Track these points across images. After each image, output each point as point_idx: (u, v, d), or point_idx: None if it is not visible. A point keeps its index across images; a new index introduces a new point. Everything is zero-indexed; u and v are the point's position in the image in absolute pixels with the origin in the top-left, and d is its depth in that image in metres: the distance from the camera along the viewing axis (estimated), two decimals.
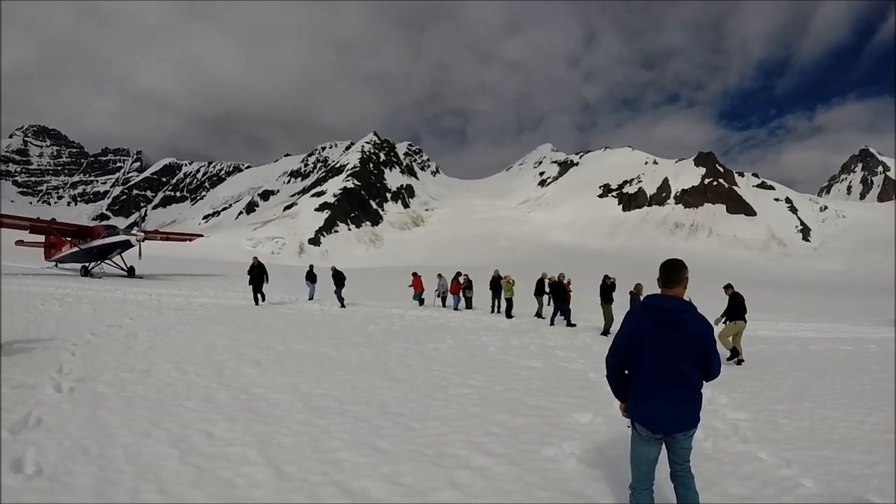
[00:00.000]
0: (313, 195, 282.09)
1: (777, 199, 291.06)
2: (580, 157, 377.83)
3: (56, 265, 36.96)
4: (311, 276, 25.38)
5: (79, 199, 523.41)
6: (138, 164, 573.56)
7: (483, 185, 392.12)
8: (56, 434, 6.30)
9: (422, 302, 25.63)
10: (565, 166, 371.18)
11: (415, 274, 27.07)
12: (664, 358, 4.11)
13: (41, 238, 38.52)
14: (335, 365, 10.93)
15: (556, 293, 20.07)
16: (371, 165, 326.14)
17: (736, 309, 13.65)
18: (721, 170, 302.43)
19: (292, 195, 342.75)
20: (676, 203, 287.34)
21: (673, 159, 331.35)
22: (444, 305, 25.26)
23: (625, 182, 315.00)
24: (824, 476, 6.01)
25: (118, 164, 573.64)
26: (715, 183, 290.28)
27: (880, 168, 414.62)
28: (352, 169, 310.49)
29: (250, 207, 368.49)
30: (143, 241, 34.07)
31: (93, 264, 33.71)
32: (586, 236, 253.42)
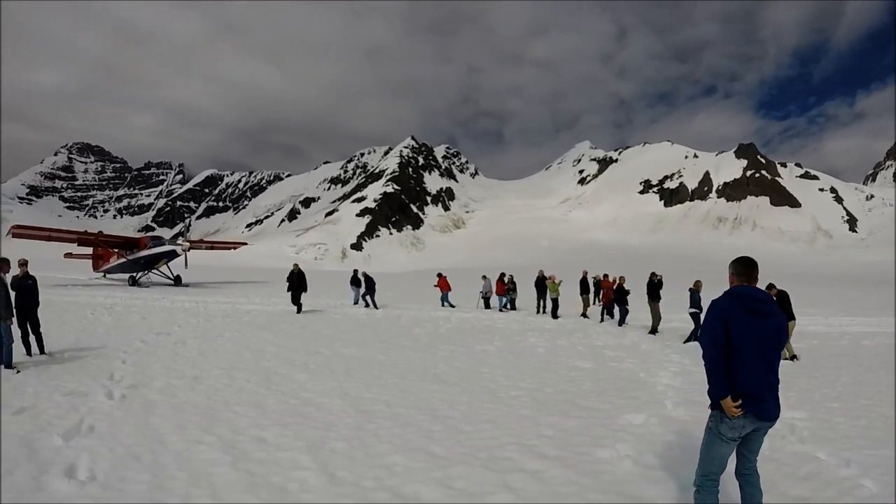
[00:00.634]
0: (354, 201, 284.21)
1: (822, 190, 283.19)
2: (619, 154, 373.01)
3: (104, 276, 37.95)
4: (355, 281, 25.37)
5: (124, 211, 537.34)
6: (181, 176, 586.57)
7: (522, 186, 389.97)
8: (109, 441, 6.34)
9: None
10: (604, 163, 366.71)
11: (440, 275, 26.91)
12: (760, 346, 4.12)
13: (89, 250, 39.64)
14: (383, 369, 10.87)
15: (618, 295, 19.63)
16: (410, 169, 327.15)
17: (784, 309, 13.15)
18: (763, 161, 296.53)
19: (333, 201, 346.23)
20: (719, 197, 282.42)
21: (713, 152, 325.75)
22: (486, 307, 24.92)
23: (665, 177, 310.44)
24: (884, 476, 5.80)
25: (161, 177, 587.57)
26: (757, 175, 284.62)
27: None
28: (391, 174, 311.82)
29: (292, 215, 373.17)
30: (188, 250, 34.63)
31: (140, 274, 34.44)
32: (628, 234, 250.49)
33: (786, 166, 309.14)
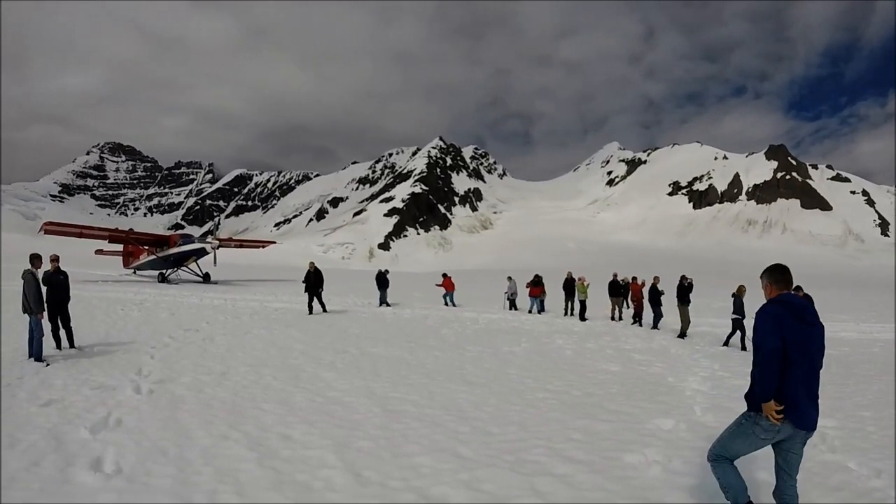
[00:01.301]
0: (382, 201, 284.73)
1: (853, 192, 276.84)
2: (648, 155, 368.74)
3: (134, 272, 38.57)
4: (382, 281, 25.23)
5: (154, 210, 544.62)
6: (210, 175, 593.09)
7: (550, 187, 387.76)
8: (135, 435, 6.37)
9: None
10: (633, 165, 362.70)
11: (445, 275, 26.79)
12: (808, 354, 4.17)
13: (119, 247, 40.37)
14: (410, 369, 10.82)
15: (652, 296, 19.30)
16: (438, 170, 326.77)
17: None
18: (794, 163, 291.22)
19: (361, 201, 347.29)
20: (748, 199, 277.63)
21: (743, 153, 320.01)
22: (511, 308, 24.54)
23: (695, 179, 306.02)
24: None
25: (191, 177, 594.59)
26: (788, 177, 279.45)
27: None
28: (419, 174, 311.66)
29: (320, 214, 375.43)
30: (217, 248, 34.97)
31: (169, 271, 34.90)
32: (656, 236, 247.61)
33: (817, 168, 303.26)
